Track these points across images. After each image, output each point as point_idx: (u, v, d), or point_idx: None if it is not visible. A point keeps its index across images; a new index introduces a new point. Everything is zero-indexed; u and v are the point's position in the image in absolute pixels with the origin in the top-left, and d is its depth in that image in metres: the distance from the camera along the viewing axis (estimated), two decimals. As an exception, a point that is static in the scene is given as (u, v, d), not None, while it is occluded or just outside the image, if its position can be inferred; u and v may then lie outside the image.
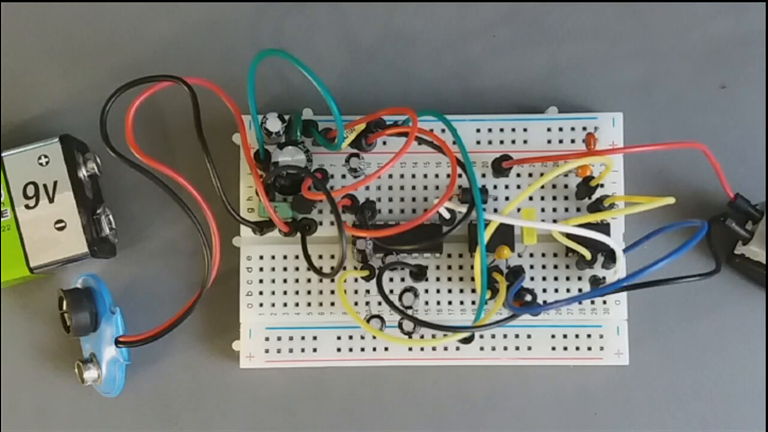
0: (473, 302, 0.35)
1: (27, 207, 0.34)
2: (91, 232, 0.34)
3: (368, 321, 0.34)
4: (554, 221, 0.36)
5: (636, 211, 0.33)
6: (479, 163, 0.36)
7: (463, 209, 0.33)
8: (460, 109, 0.36)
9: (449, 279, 0.35)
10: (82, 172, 0.34)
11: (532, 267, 0.35)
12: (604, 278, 0.35)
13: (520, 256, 0.35)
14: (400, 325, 0.34)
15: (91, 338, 0.35)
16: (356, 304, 0.35)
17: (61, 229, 0.34)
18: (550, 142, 0.36)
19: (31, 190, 0.34)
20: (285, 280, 0.35)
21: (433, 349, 0.35)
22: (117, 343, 0.34)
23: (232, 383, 0.36)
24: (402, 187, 0.36)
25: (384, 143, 0.36)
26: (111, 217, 0.35)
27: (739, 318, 0.36)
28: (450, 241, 0.35)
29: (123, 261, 0.36)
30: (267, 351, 0.35)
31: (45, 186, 0.34)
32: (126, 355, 0.34)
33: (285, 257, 0.35)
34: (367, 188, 0.36)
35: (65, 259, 0.34)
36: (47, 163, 0.34)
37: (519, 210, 0.35)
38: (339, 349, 0.35)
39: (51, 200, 0.34)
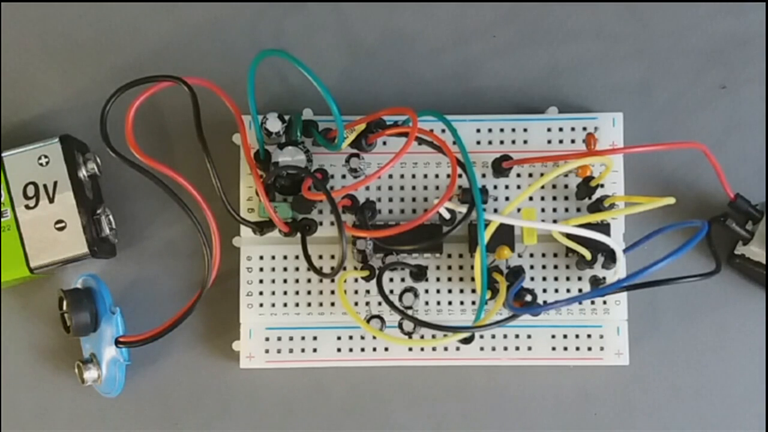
0: (473, 302, 0.35)
1: (27, 207, 0.34)
2: (91, 232, 0.34)
3: (368, 321, 0.34)
4: (554, 221, 0.36)
5: (636, 211, 0.33)
6: (479, 163, 0.36)
7: (463, 209, 0.33)
8: (460, 109, 0.36)
9: (449, 279, 0.35)
10: (82, 172, 0.34)
11: (532, 267, 0.35)
12: (604, 278, 0.35)
13: (520, 256, 0.35)
14: (400, 326, 0.34)
15: (91, 338, 0.35)
16: (356, 304, 0.35)
17: (61, 229, 0.34)
18: (550, 142, 0.36)
19: (31, 190, 0.34)
20: (285, 280, 0.35)
21: (433, 349, 0.35)
22: (117, 343, 0.34)
23: (232, 383, 0.36)
24: (402, 187, 0.36)
25: (384, 143, 0.36)
26: (111, 217, 0.35)
27: (739, 318, 0.36)
28: (450, 241, 0.35)
29: (123, 261, 0.36)
30: (267, 351, 0.35)
31: (45, 186, 0.34)
32: (126, 355, 0.34)
33: (285, 257, 0.35)
34: (367, 188, 0.36)
35: (65, 260, 0.34)
36: (47, 163, 0.34)
37: (519, 210, 0.35)
38: (339, 350, 0.35)
39: (51, 200, 0.34)
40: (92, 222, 0.34)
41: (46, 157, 0.34)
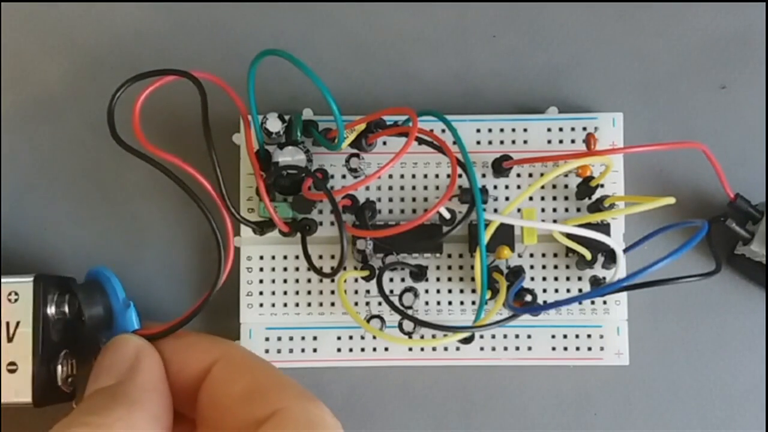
0: (473, 302, 0.35)
1: None
2: (41, 381, 0.32)
3: (368, 321, 0.34)
4: (554, 221, 0.36)
5: (636, 211, 0.33)
6: (479, 163, 0.36)
7: (463, 209, 0.33)
8: (460, 109, 0.36)
9: (449, 279, 0.35)
10: (52, 311, 0.32)
11: (532, 267, 0.35)
12: (604, 278, 0.35)
13: (520, 256, 0.35)
14: (400, 325, 0.34)
15: (106, 334, 0.33)
16: (356, 304, 0.35)
17: (12, 371, 0.32)
18: (550, 142, 0.36)
19: None
20: (285, 280, 0.35)
21: (433, 349, 0.35)
22: None
23: (232, 383, 0.36)
24: (402, 187, 0.36)
25: (384, 143, 0.36)
26: (74, 362, 0.33)
27: (739, 318, 0.36)
28: (450, 241, 0.35)
29: (126, 261, 0.36)
30: (267, 351, 0.35)
31: (8, 324, 0.32)
32: None
33: (285, 257, 0.35)
34: (367, 188, 0.36)
35: (9, 404, 0.32)
36: (16, 300, 0.32)
37: (519, 210, 0.35)
38: (339, 349, 0.35)
39: (10, 340, 0.32)
40: (45, 371, 0.32)
41: (16, 294, 0.32)
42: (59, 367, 0.32)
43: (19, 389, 0.32)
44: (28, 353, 0.32)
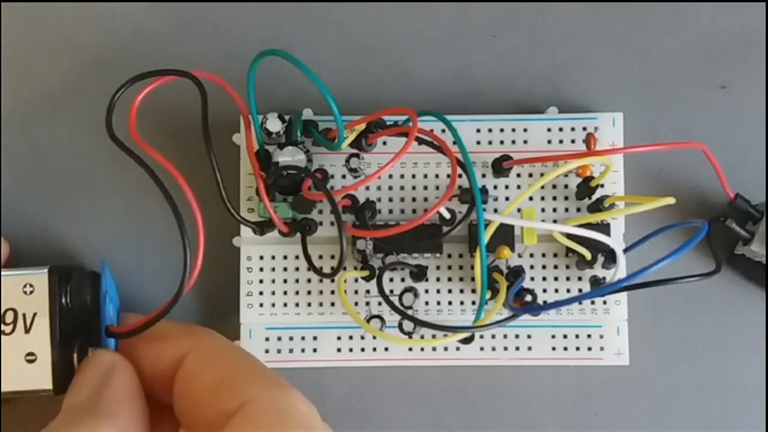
0: (473, 302, 0.35)
1: (3, 333, 0.32)
2: (60, 370, 0.32)
3: (368, 321, 0.34)
4: (554, 221, 0.36)
5: (636, 211, 0.33)
6: (479, 163, 0.36)
7: (463, 209, 0.33)
8: (460, 109, 0.36)
9: (449, 279, 0.35)
10: (66, 300, 0.33)
11: (532, 267, 0.35)
12: (604, 278, 0.35)
13: (520, 256, 0.35)
14: (400, 326, 0.34)
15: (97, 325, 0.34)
16: (356, 304, 0.35)
17: (31, 362, 0.32)
18: (550, 142, 0.36)
19: (10, 316, 0.32)
20: (285, 280, 0.35)
21: (433, 349, 0.35)
22: (106, 332, 0.33)
23: (232, 383, 0.36)
24: (402, 187, 0.36)
25: (384, 143, 0.36)
26: (88, 350, 0.33)
27: (739, 318, 0.36)
28: (450, 241, 0.35)
29: (121, 261, 0.36)
30: (267, 351, 0.35)
31: (24, 315, 0.32)
32: (114, 346, 0.33)
33: (285, 257, 0.35)
34: (367, 188, 0.36)
35: (29, 391, 0.32)
36: (32, 292, 0.33)
37: (519, 210, 0.35)
38: (339, 350, 0.35)
39: (27, 331, 0.32)
40: (64, 359, 0.33)
41: (31, 286, 0.33)
42: (75, 355, 0.33)
43: (39, 378, 0.32)
44: (46, 343, 0.32)
